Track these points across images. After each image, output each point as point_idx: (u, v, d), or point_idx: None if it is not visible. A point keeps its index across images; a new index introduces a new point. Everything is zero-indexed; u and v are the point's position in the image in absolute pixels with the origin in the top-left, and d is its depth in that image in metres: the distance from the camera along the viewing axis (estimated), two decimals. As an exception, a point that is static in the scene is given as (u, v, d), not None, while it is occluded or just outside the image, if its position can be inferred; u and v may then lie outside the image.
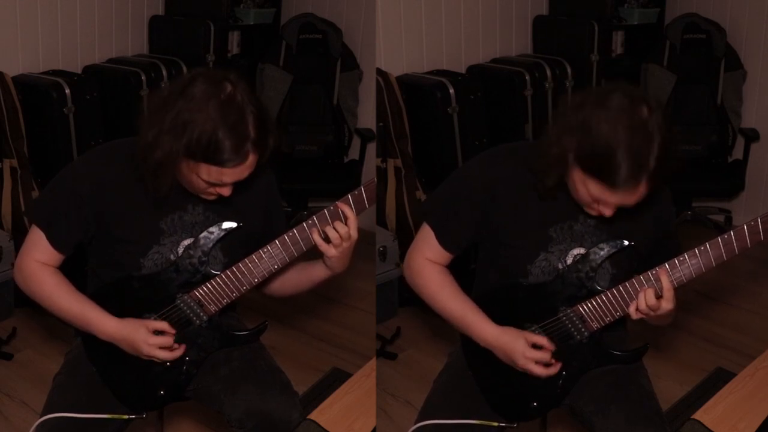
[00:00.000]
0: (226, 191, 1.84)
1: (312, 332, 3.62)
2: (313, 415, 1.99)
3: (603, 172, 1.70)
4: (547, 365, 1.95)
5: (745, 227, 1.84)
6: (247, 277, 1.94)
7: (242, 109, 1.75)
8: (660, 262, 1.88)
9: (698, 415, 1.97)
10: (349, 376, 2.24)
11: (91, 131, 3.69)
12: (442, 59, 4.12)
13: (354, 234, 1.92)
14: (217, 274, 1.94)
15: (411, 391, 3.10)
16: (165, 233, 1.96)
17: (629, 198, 1.74)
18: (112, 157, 1.98)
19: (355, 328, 3.65)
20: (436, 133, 3.73)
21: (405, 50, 3.99)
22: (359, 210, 1.92)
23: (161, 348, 1.94)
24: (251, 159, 1.78)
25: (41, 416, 1.95)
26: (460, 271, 2.09)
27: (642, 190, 1.72)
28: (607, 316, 1.93)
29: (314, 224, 1.91)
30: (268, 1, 4.69)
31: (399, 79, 3.76)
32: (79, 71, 4.01)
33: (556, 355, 1.96)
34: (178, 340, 1.97)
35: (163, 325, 1.95)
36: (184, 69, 4.07)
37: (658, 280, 1.87)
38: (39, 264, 1.97)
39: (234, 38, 4.51)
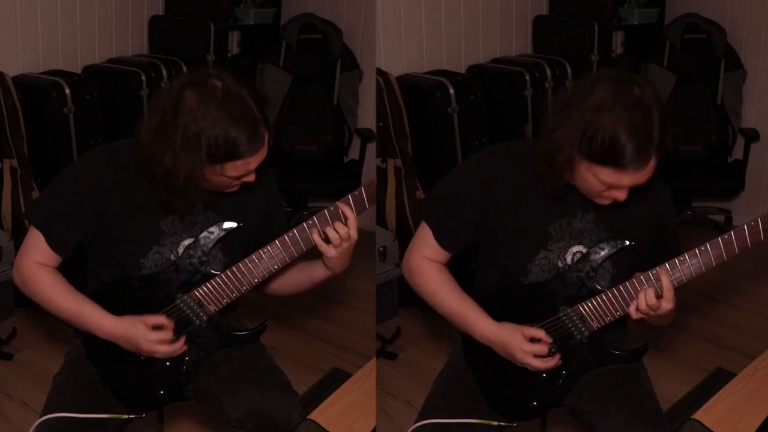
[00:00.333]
0: (252, 177, 1.88)
1: (312, 332, 3.62)
2: (313, 415, 1.99)
3: (611, 156, 1.71)
4: (546, 359, 1.94)
5: (746, 227, 1.84)
6: (247, 277, 1.94)
7: (241, 98, 1.78)
8: (660, 262, 1.88)
9: (698, 415, 1.97)
10: (349, 376, 2.24)
11: (91, 131, 3.70)
12: (442, 59, 4.11)
13: (354, 234, 1.92)
14: (217, 274, 1.94)
15: (411, 391, 3.10)
16: (165, 234, 1.96)
17: (641, 176, 1.75)
18: (113, 157, 1.98)
19: (355, 328, 3.65)
20: (436, 133, 3.73)
21: (405, 50, 3.99)
22: (359, 210, 1.92)
23: (161, 343, 1.94)
24: (266, 138, 1.83)
25: (41, 416, 1.95)
26: (460, 270, 2.08)
27: (652, 164, 1.74)
28: (607, 316, 1.93)
29: (314, 224, 1.91)
30: (268, 1, 4.69)
31: (399, 79, 3.76)
32: (79, 71, 4.01)
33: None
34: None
35: (160, 318, 1.95)
36: (184, 69, 4.07)
37: (658, 279, 1.87)
38: (37, 265, 1.97)
39: (234, 38, 4.51)
